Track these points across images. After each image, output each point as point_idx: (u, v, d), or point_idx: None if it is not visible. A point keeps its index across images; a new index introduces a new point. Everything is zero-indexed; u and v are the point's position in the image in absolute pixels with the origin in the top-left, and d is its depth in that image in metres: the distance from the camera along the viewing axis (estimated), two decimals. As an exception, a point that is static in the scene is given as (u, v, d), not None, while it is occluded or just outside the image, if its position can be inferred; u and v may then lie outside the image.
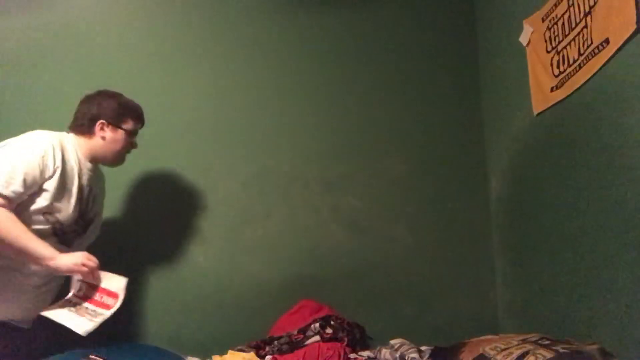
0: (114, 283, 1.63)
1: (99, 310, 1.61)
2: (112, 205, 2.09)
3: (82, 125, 1.75)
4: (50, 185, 1.61)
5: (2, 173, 1.52)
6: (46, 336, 1.75)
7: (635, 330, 1.30)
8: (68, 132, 1.77)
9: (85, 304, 1.62)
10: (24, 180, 1.54)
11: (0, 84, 2.23)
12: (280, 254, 2.22)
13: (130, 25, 2.32)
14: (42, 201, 1.60)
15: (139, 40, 2.31)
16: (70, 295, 1.63)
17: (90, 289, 1.64)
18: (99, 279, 1.63)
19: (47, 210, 1.62)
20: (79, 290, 1.63)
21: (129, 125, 1.80)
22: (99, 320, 1.57)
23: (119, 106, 1.78)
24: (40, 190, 1.60)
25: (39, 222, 1.61)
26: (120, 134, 1.78)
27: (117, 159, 1.82)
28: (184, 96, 2.29)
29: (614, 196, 1.37)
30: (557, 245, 1.68)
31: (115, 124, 1.77)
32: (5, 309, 1.62)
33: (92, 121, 1.75)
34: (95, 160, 1.78)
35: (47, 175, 1.60)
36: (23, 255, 1.56)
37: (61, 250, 1.61)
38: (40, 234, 1.58)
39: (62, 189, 1.64)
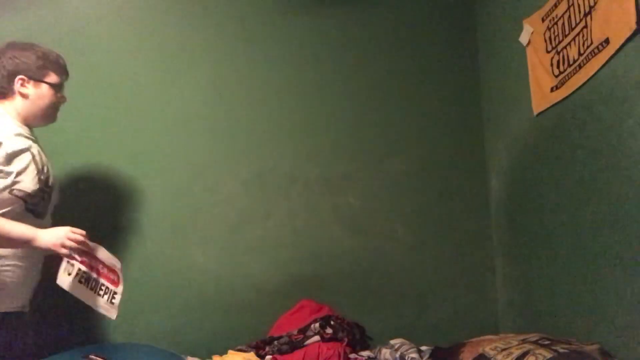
0: (106, 256, 1.61)
1: (111, 287, 1.61)
2: (112, 205, 2.09)
3: (0, 88, 1.59)
4: (5, 163, 1.48)
5: None
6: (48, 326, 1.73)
7: (635, 330, 1.30)
8: None
9: (94, 276, 1.60)
10: None
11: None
12: (280, 254, 2.22)
13: (129, 24, 2.31)
14: (3, 181, 1.48)
15: (138, 40, 2.31)
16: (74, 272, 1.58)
17: (91, 259, 1.60)
18: (95, 249, 1.58)
19: (12, 186, 1.49)
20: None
21: (52, 78, 1.65)
22: (117, 300, 1.60)
23: (37, 58, 1.61)
24: None
25: (9, 202, 1.49)
26: (44, 88, 1.63)
27: (47, 117, 1.67)
28: (184, 96, 2.29)
29: (614, 196, 1.37)
30: (557, 245, 1.68)
31: (37, 78, 1.61)
32: (19, 299, 1.57)
33: (10, 78, 1.59)
34: (26, 122, 1.63)
35: None
36: (4, 245, 1.48)
37: (41, 226, 1.53)
38: (14, 214, 1.49)
39: (16, 162, 1.51)
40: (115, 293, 1.61)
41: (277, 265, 2.21)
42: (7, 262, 1.53)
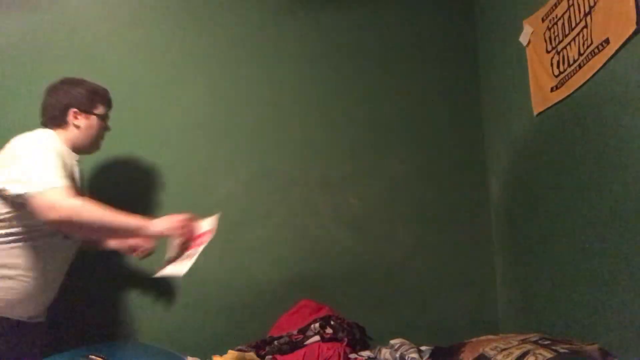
0: (208, 223, 1.70)
1: (199, 249, 1.67)
2: (111, 205, 2.09)
3: (54, 117, 1.73)
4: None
5: (46, 169, 1.50)
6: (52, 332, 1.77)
7: (635, 330, 1.30)
8: (44, 128, 1.72)
9: (186, 253, 1.67)
10: (64, 171, 1.54)
11: (1, 83, 2.23)
12: (280, 254, 2.22)
13: (130, 24, 2.31)
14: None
15: (139, 40, 2.31)
16: (170, 255, 1.66)
17: (188, 241, 1.67)
18: (197, 228, 1.68)
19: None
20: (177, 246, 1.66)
21: (100, 109, 1.80)
22: (194, 258, 1.63)
23: (88, 92, 1.77)
24: None
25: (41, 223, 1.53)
26: (93, 119, 1.78)
27: (94, 145, 1.82)
28: (184, 96, 2.29)
29: (614, 196, 1.37)
30: (557, 245, 1.68)
31: (87, 110, 1.76)
32: (31, 308, 1.64)
33: (64, 111, 1.73)
34: (76, 150, 1.77)
35: None
36: (114, 234, 1.69)
37: (66, 246, 1.67)
38: (45, 233, 1.59)
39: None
40: (195, 254, 1.66)
41: (277, 265, 2.21)
42: (27, 274, 1.60)
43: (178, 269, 1.61)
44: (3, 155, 1.59)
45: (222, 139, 2.27)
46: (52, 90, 1.77)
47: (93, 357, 1.56)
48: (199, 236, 1.68)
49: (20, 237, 1.57)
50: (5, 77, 2.24)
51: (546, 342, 1.37)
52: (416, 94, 2.32)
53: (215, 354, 1.91)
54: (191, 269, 2.16)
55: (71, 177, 1.61)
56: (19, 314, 1.61)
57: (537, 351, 1.28)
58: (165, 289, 2.18)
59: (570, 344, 1.34)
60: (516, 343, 1.41)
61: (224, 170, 2.24)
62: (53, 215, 1.44)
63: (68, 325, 1.96)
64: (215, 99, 2.30)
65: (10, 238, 1.56)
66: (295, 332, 1.93)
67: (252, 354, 1.86)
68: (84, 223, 1.50)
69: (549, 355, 1.25)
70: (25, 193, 1.45)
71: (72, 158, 1.73)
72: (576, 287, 1.57)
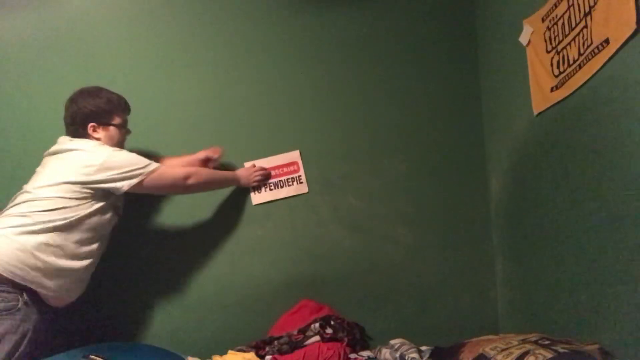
0: (282, 158, 2.25)
1: (294, 175, 2.24)
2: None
3: (76, 131, 1.85)
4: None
5: (135, 159, 1.82)
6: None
7: (635, 330, 1.30)
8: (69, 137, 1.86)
9: (277, 179, 2.24)
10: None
11: (1, 83, 2.24)
12: (280, 254, 2.22)
13: (131, 23, 2.31)
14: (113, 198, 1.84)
15: (140, 39, 2.31)
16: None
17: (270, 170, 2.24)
18: (271, 161, 2.24)
19: (115, 203, 1.88)
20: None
21: (117, 119, 1.90)
22: (303, 179, 2.24)
23: (103, 105, 1.86)
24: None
25: (110, 214, 1.85)
26: (112, 130, 1.89)
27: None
28: (185, 95, 2.29)
29: (614, 196, 1.37)
30: (557, 245, 1.68)
31: (104, 123, 1.87)
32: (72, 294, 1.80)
33: (83, 125, 1.84)
34: None
35: None
36: (218, 187, 2.14)
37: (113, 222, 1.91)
38: (108, 220, 1.85)
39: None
40: (299, 176, 2.23)
41: (277, 265, 2.21)
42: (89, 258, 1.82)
43: (295, 191, 2.23)
44: (77, 166, 1.76)
45: (221, 138, 2.27)
46: (70, 103, 1.86)
47: (93, 357, 1.56)
48: (284, 165, 2.24)
49: (86, 220, 1.77)
50: (7, 75, 2.25)
51: (546, 342, 1.37)
52: (416, 93, 2.32)
53: (215, 354, 1.92)
54: (191, 269, 2.19)
55: None
56: (67, 301, 1.79)
57: (537, 351, 1.28)
58: (165, 289, 2.19)
59: (570, 344, 1.34)
60: (516, 343, 1.41)
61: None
62: (190, 181, 1.92)
63: (68, 325, 1.96)
64: (215, 98, 2.30)
65: (78, 222, 1.75)
66: (295, 332, 1.93)
67: (252, 354, 1.86)
68: (204, 185, 2.01)
69: (549, 355, 1.25)
70: (142, 179, 1.80)
71: None
72: (576, 287, 1.57)
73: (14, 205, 1.74)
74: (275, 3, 2.35)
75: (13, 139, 2.22)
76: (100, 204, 1.79)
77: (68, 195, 1.73)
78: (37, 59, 2.26)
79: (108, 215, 1.85)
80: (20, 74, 2.26)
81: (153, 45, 2.31)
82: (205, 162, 2.14)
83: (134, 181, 1.79)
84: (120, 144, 1.92)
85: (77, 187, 1.74)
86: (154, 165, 1.84)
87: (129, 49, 2.30)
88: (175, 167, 1.95)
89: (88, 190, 1.75)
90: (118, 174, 1.77)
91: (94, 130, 1.85)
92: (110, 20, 2.31)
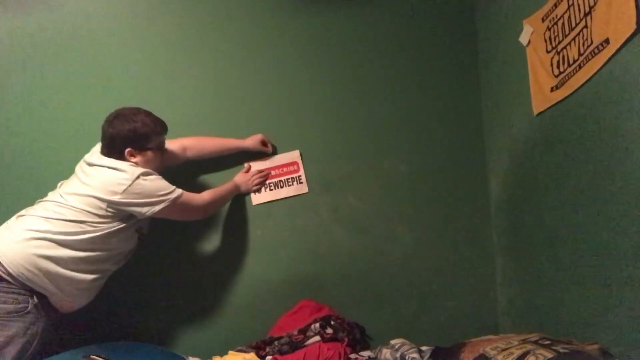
0: (283, 158, 2.25)
1: (294, 175, 2.24)
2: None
3: (115, 153, 1.83)
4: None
5: (162, 185, 1.83)
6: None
7: (635, 330, 1.30)
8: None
9: (277, 179, 2.24)
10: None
11: (6, 84, 2.24)
12: (280, 254, 2.22)
13: (131, 23, 2.31)
14: (136, 221, 1.85)
15: (140, 39, 2.31)
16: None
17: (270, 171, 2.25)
18: (272, 162, 2.25)
19: (139, 226, 1.90)
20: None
21: (154, 143, 1.87)
22: (303, 179, 2.24)
23: (139, 131, 1.83)
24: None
25: (130, 235, 1.87)
26: (148, 154, 1.87)
27: (153, 170, 1.88)
28: (186, 95, 2.29)
29: (613, 196, 1.37)
30: (557, 244, 1.68)
31: (141, 148, 1.85)
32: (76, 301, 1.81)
33: (121, 150, 1.82)
34: None
35: None
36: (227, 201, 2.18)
37: (133, 239, 1.92)
38: (127, 240, 1.87)
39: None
40: (299, 176, 2.24)
41: (277, 265, 2.21)
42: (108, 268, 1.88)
43: (294, 191, 2.24)
44: (108, 191, 1.76)
45: (221, 137, 2.26)
46: (108, 126, 1.83)
47: (93, 357, 1.56)
48: (284, 165, 2.25)
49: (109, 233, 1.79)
50: (13, 77, 2.25)
51: (546, 342, 1.37)
52: (416, 93, 2.32)
53: (215, 354, 1.91)
54: (192, 269, 2.19)
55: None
56: (76, 307, 1.83)
57: (538, 351, 1.28)
58: (165, 289, 2.19)
59: (570, 344, 1.34)
60: (516, 343, 1.41)
61: (224, 169, 2.24)
62: (205, 212, 2.02)
63: (68, 325, 1.96)
64: (216, 98, 2.30)
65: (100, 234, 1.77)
66: (295, 332, 1.93)
67: (252, 354, 1.86)
68: (216, 205, 2.09)
69: (549, 355, 1.25)
70: (165, 206, 1.81)
71: None
72: (576, 287, 1.57)
73: (44, 202, 1.78)
74: (275, 3, 2.35)
75: (17, 139, 2.21)
76: (122, 225, 1.79)
77: (93, 211, 1.73)
78: (38, 59, 2.26)
79: (128, 236, 1.85)
80: (22, 74, 2.25)
81: (153, 45, 2.31)
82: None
83: (157, 208, 1.79)
84: (158, 165, 1.91)
85: (103, 205, 1.73)
86: (177, 192, 1.84)
87: (129, 49, 2.30)
88: (195, 195, 1.95)
89: (112, 210, 1.75)
90: (143, 198, 1.77)
91: (131, 155, 1.83)
92: (110, 20, 2.30)
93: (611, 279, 1.39)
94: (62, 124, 2.22)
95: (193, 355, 1.91)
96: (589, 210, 1.49)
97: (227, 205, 2.24)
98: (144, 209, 1.78)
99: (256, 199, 2.24)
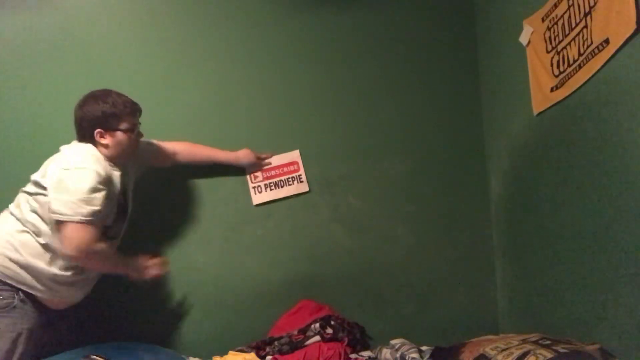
0: (282, 158, 2.24)
1: (294, 174, 2.23)
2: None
3: (85, 136, 1.77)
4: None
5: (82, 197, 1.62)
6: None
7: (635, 330, 1.30)
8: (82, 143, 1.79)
9: (277, 178, 2.23)
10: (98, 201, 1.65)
11: (6, 83, 2.23)
12: (280, 254, 2.22)
13: (131, 23, 2.31)
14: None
15: (140, 40, 2.31)
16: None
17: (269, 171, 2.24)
18: (271, 162, 2.24)
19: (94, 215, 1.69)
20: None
21: (124, 124, 1.78)
22: (304, 178, 2.23)
23: (109, 111, 1.75)
24: None
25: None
26: (119, 135, 1.78)
27: (128, 155, 1.84)
28: (186, 95, 2.29)
29: (613, 196, 1.37)
30: (557, 245, 1.68)
31: (110, 129, 1.76)
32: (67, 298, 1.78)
33: (90, 132, 1.75)
34: (113, 162, 1.80)
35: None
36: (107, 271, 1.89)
37: (112, 245, 1.82)
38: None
39: (108, 199, 1.72)
40: (300, 175, 2.22)
41: (277, 265, 2.21)
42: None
43: (295, 190, 2.23)
44: (52, 171, 1.68)
45: (222, 138, 2.26)
46: (77, 108, 1.78)
47: (93, 357, 1.56)
48: (284, 164, 2.23)
49: None
50: (8, 76, 2.24)
51: (546, 342, 1.37)
52: (416, 93, 2.32)
53: (215, 354, 1.91)
54: (191, 269, 2.19)
55: (109, 190, 1.72)
56: (65, 304, 1.80)
57: (538, 351, 1.28)
58: (165, 289, 2.18)
59: (570, 344, 1.34)
60: (516, 343, 1.41)
61: (224, 170, 2.24)
62: (69, 251, 1.63)
63: (68, 325, 1.96)
64: (216, 98, 2.30)
65: None
66: (295, 332, 1.93)
67: (252, 354, 1.86)
68: (97, 263, 1.76)
69: (549, 355, 1.25)
70: (58, 221, 1.62)
71: (111, 170, 1.77)
72: (576, 287, 1.57)
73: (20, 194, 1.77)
74: (275, 3, 2.35)
75: (15, 140, 2.21)
76: None
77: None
78: (39, 60, 2.26)
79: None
80: (22, 74, 2.25)
81: (153, 46, 2.31)
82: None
83: (55, 216, 1.61)
84: (129, 149, 1.82)
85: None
86: (79, 218, 1.61)
87: (129, 49, 2.30)
88: (91, 236, 1.65)
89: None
90: (55, 193, 1.63)
91: (101, 137, 1.75)
92: (110, 20, 2.30)
93: (611, 279, 1.39)
94: (62, 123, 2.22)
95: (193, 355, 1.91)
96: (589, 210, 1.49)
97: (227, 205, 2.24)
98: (47, 201, 1.64)
99: (257, 198, 2.23)
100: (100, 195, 1.65)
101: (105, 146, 1.76)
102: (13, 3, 2.27)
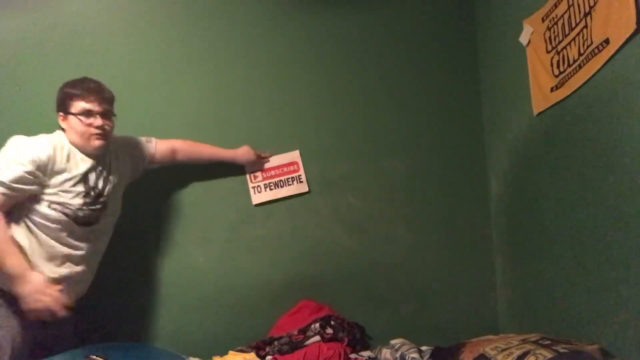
0: (281, 158, 2.24)
1: (294, 174, 2.22)
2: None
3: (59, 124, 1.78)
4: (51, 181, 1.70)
5: (9, 165, 1.62)
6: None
7: (635, 330, 1.30)
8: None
9: (277, 178, 2.23)
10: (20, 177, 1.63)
11: (6, 84, 2.23)
12: (280, 254, 2.22)
13: (131, 23, 2.31)
14: (46, 196, 1.69)
15: (139, 39, 2.31)
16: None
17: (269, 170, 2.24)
18: (270, 162, 2.24)
19: (54, 201, 1.69)
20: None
21: (77, 107, 1.74)
22: (303, 178, 2.22)
23: (63, 93, 1.76)
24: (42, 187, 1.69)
25: (49, 214, 1.69)
26: (71, 119, 1.74)
27: (85, 143, 1.76)
28: (185, 95, 2.29)
29: (614, 196, 1.37)
30: (557, 244, 1.68)
31: (64, 111, 1.75)
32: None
33: (57, 115, 1.77)
34: (81, 150, 1.77)
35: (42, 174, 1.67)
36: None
37: (83, 236, 1.76)
38: (55, 222, 1.69)
39: (61, 181, 1.71)
40: (299, 175, 2.22)
41: (277, 265, 2.21)
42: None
43: (295, 190, 2.23)
44: None
45: (222, 138, 2.26)
46: None
47: (93, 357, 1.56)
48: (284, 165, 2.23)
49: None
50: (6, 75, 2.24)
51: (546, 342, 1.37)
52: (416, 94, 2.32)
53: (215, 354, 1.91)
54: (191, 269, 2.19)
55: (53, 172, 1.69)
56: None
57: (538, 351, 1.28)
58: (165, 289, 2.18)
59: (571, 344, 1.34)
60: (516, 343, 1.41)
61: (224, 170, 2.24)
62: None
63: (68, 325, 1.96)
64: (215, 98, 2.30)
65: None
66: (295, 332, 1.93)
67: (252, 354, 1.86)
68: None
69: (549, 355, 1.25)
70: None
71: (76, 155, 1.76)
72: (576, 287, 1.57)
73: None
74: (275, 3, 2.35)
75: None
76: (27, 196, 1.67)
77: None
78: (39, 59, 2.26)
79: (44, 212, 1.69)
80: (21, 74, 2.25)
81: (153, 45, 2.31)
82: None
83: None
84: (85, 135, 1.74)
85: None
86: (3, 189, 1.61)
87: (128, 49, 2.30)
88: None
89: None
90: None
91: (62, 120, 1.76)
92: (110, 20, 2.30)
93: (611, 279, 1.39)
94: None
95: (193, 355, 1.91)
96: (588, 210, 1.49)
97: (227, 205, 2.23)
98: None
99: (256, 198, 2.23)
100: (22, 170, 1.62)
101: (65, 131, 1.76)
102: (13, 3, 2.27)
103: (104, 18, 2.30)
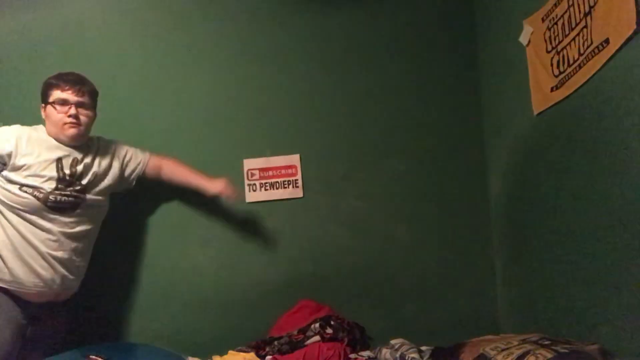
0: (286, 159, 2.24)
1: (291, 178, 2.22)
2: (112, 205, 2.09)
3: None
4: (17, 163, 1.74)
5: None
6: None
7: (635, 330, 1.30)
8: None
9: (273, 180, 2.22)
10: None
11: (5, 84, 2.24)
12: (281, 253, 2.22)
13: (131, 24, 2.31)
14: (14, 177, 1.74)
15: (140, 40, 2.31)
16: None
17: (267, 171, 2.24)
18: (270, 161, 2.24)
19: (25, 184, 1.73)
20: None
21: (53, 96, 1.79)
22: (300, 183, 2.22)
23: (43, 85, 1.81)
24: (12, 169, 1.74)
25: (21, 195, 1.73)
26: (49, 109, 1.80)
27: (59, 131, 1.80)
28: (185, 95, 2.29)
29: (614, 196, 1.37)
30: (557, 245, 1.68)
31: (44, 102, 1.82)
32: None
33: None
34: (58, 140, 1.82)
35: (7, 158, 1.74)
36: None
37: (55, 220, 1.75)
38: (26, 205, 1.72)
39: (29, 166, 1.75)
40: (296, 180, 2.22)
41: (277, 265, 2.21)
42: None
43: (290, 194, 2.23)
44: None
45: (222, 138, 2.27)
46: None
47: (93, 357, 1.56)
48: (282, 167, 2.23)
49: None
50: (4, 75, 2.24)
51: (546, 342, 1.37)
52: (416, 93, 2.32)
53: (215, 354, 1.91)
54: (191, 269, 2.19)
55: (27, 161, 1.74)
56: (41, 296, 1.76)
57: (538, 351, 1.28)
58: (165, 289, 2.18)
59: (570, 344, 1.34)
60: (516, 343, 1.41)
61: (224, 170, 2.24)
62: None
63: (68, 326, 1.96)
64: (216, 98, 2.30)
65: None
66: (295, 332, 1.93)
67: (252, 354, 1.86)
68: None
69: (549, 355, 1.25)
70: None
71: (52, 145, 1.80)
72: (576, 287, 1.57)
73: None
74: (274, 5, 2.35)
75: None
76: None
77: None
78: (38, 59, 2.26)
79: (17, 193, 1.73)
80: (21, 74, 2.25)
81: (153, 46, 2.31)
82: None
83: None
84: (60, 126, 1.79)
85: None
86: None
87: (129, 50, 2.30)
88: None
89: None
90: None
91: (43, 111, 1.83)
92: (110, 20, 2.31)
93: (611, 279, 1.39)
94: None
95: (193, 355, 1.91)
96: (589, 210, 1.49)
97: (227, 205, 2.23)
98: None
99: (250, 196, 2.24)
100: None
101: (44, 121, 1.82)
102: (13, 3, 2.27)
103: (104, 18, 2.30)
